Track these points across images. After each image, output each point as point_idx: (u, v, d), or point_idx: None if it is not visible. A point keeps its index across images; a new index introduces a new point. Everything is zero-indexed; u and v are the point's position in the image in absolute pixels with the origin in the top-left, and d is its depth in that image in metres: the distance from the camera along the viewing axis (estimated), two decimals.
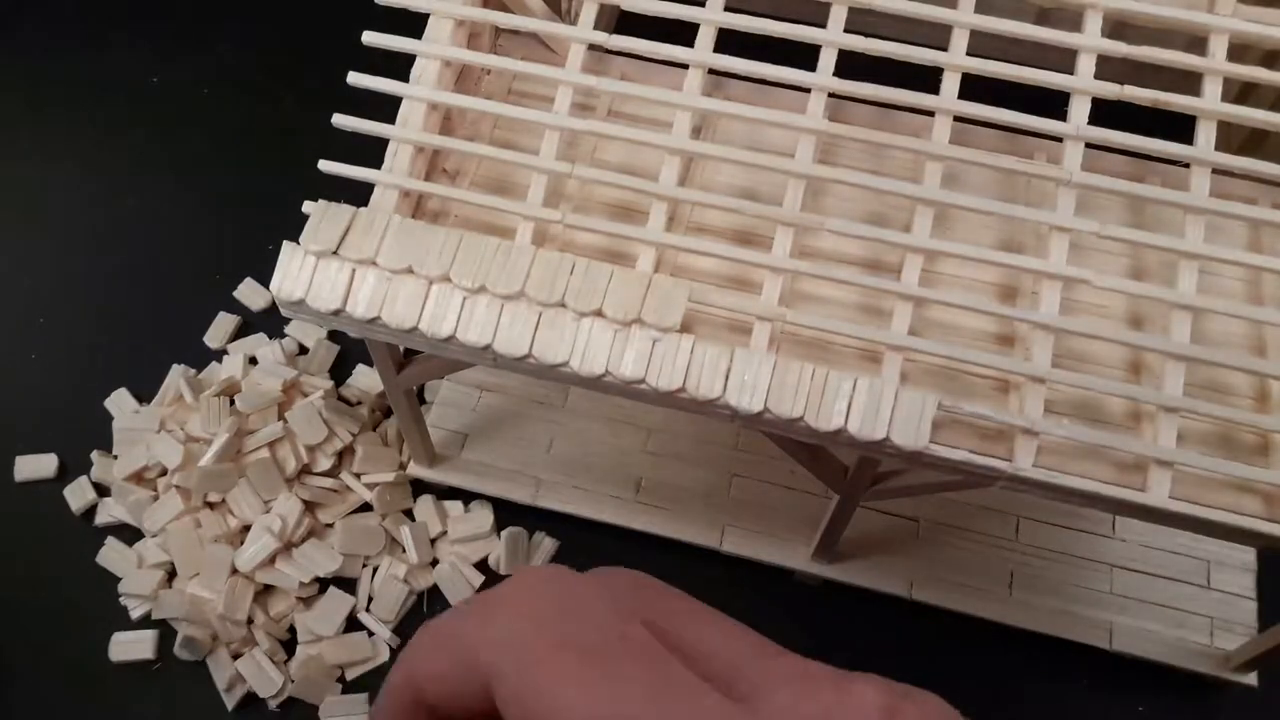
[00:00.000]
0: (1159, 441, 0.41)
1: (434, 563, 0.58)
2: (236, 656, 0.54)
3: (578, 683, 0.24)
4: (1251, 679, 0.54)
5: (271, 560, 0.55)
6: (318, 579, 0.56)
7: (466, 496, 0.59)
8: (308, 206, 0.43)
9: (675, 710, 0.24)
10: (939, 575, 0.56)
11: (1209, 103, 0.44)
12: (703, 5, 0.45)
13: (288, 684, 0.54)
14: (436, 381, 0.61)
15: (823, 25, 0.45)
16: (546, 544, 0.59)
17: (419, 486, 0.60)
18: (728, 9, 0.45)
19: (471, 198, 0.45)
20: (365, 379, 0.62)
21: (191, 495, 0.57)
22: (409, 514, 0.59)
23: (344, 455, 0.59)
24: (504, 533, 0.58)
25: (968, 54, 0.44)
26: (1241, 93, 0.50)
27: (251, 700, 0.54)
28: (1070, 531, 0.58)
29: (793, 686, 0.24)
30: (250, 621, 0.55)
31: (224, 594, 0.54)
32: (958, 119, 0.44)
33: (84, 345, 0.65)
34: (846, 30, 0.44)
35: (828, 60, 0.44)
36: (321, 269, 0.42)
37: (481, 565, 0.58)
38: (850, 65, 0.44)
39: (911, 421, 0.40)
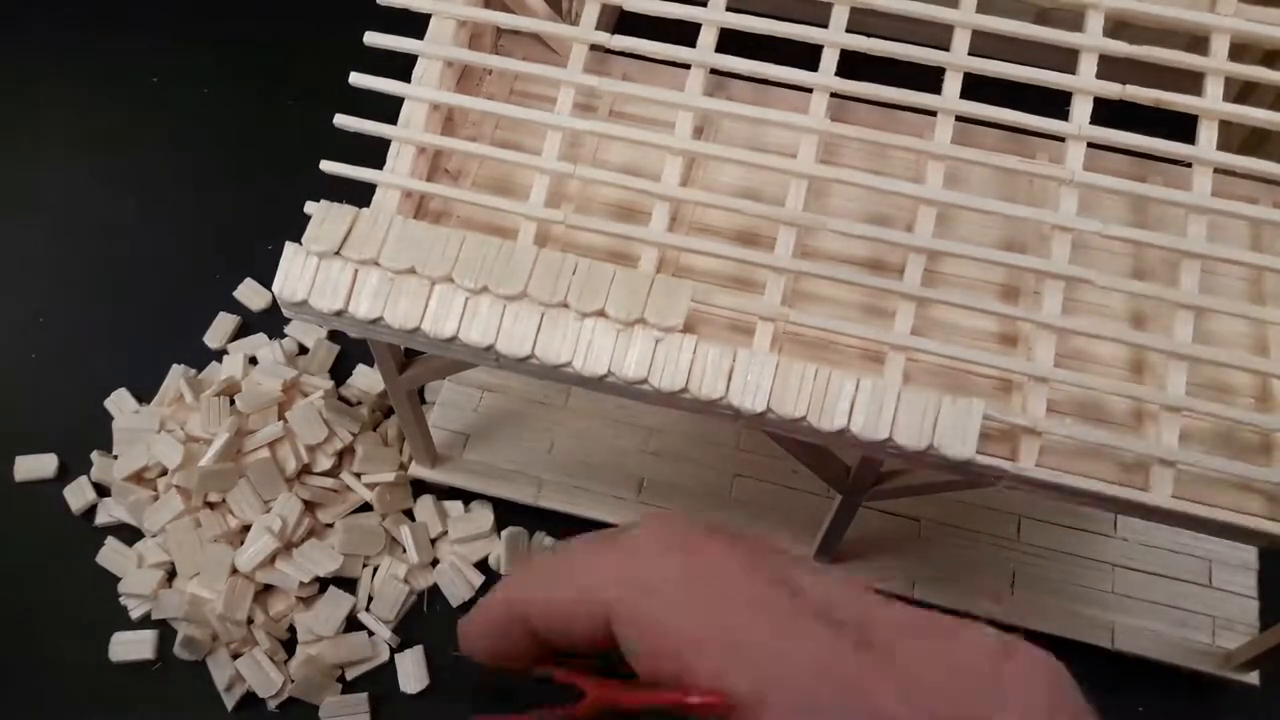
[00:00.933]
0: (1161, 441, 0.41)
1: (434, 563, 0.58)
2: (236, 656, 0.54)
3: (706, 619, 0.25)
4: (1253, 678, 0.54)
5: (271, 560, 0.55)
6: (318, 579, 0.56)
7: (466, 496, 0.59)
8: (310, 207, 0.43)
9: (805, 652, 0.25)
10: (941, 575, 0.56)
11: (1210, 102, 0.44)
12: (704, 5, 0.45)
13: (287, 684, 0.54)
14: (438, 382, 0.61)
15: (824, 25, 0.45)
16: (547, 544, 0.59)
17: (419, 486, 0.60)
18: (729, 9, 0.45)
19: (474, 198, 0.45)
20: (365, 379, 0.62)
21: (191, 495, 0.57)
22: (409, 514, 0.59)
23: (344, 455, 0.59)
24: (504, 533, 0.58)
25: (970, 54, 0.44)
26: (1242, 92, 0.50)
27: (251, 700, 0.54)
28: (1072, 531, 0.58)
29: (912, 635, 0.25)
30: (250, 621, 0.55)
31: (224, 594, 0.54)
32: (960, 119, 0.44)
33: (84, 345, 0.64)
34: (848, 30, 0.44)
35: (830, 60, 0.44)
36: (324, 269, 0.42)
37: (482, 565, 0.58)
38: (852, 65, 0.44)
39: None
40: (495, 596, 0.29)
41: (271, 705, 0.54)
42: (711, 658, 0.24)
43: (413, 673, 0.55)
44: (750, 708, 0.24)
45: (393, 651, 0.55)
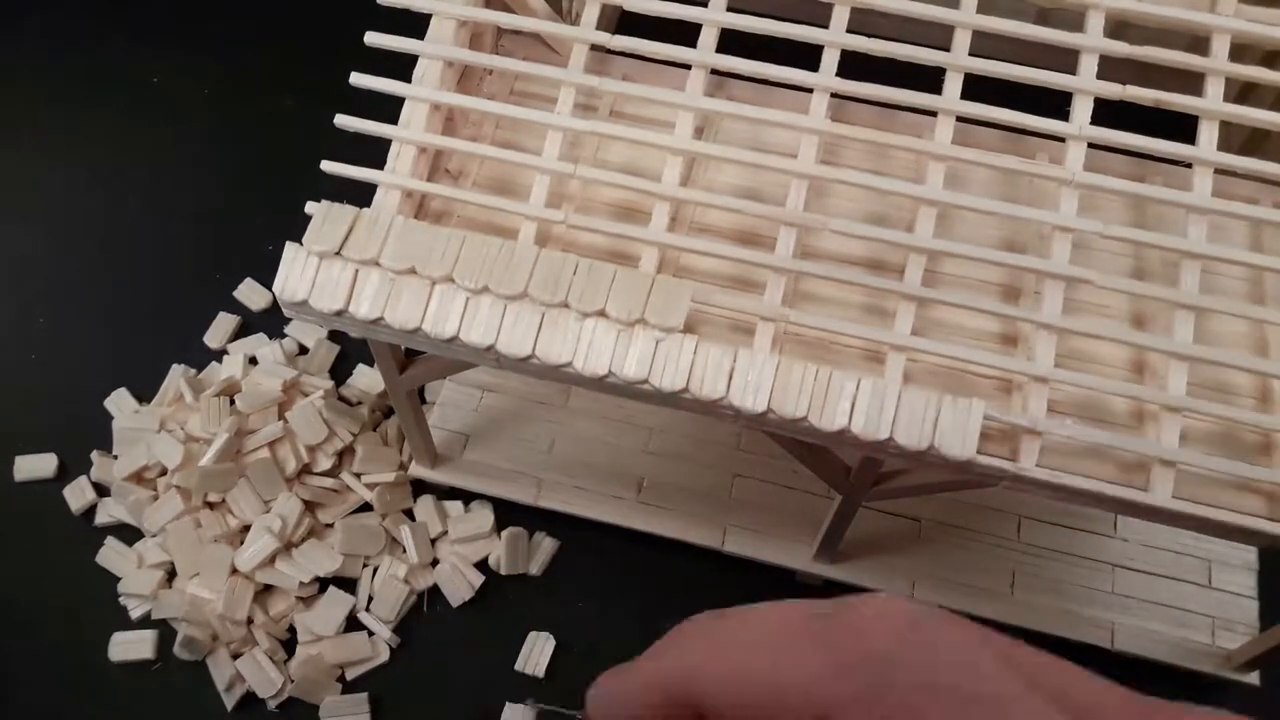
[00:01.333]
0: (1162, 441, 0.41)
1: (434, 562, 0.58)
2: (236, 656, 0.54)
3: (946, 709, 0.22)
4: (1253, 678, 0.54)
5: (271, 560, 0.55)
6: (318, 579, 0.56)
7: (466, 496, 0.59)
8: (310, 207, 0.43)
9: None
10: (941, 575, 0.56)
11: (1211, 103, 0.44)
12: (705, 5, 0.45)
13: (287, 684, 0.54)
14: (438, 382, 0.61)
15: (825, 25, 0.45)
16: (547, 544, 0.59)
17: (419, 486, 0.60)
18: (730, 9, 0.45)
19: (474, 198, 0.45)
20: (365, 379, 0.62)
21: (191, 495, 0.57)
22: (409, 514, 0.59)
23: (344, 455, 0.59)
24: (504, 533, 0.58)
25: (970, 54, 0.44)
26: (1242, 92, 0.50)
27: (251, 700, 0.54)
28: (1072, 531, 0.58)
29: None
30: (250, 621, 0.55)
31: (224, 594, 0.54)
32: (960, 119, 0.44)
33: (84, 345, 0.64)
34: (849, 30, 0.44)
35: (830, 60, 0.44)
36: (324, 269, 0.42)
37: (482, 565, 0.58)
38: (853, 65, 0.44)
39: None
40: (656, 673, 0.25)
41: (271, 705, 0.54)
42: None
43: None
44: None
45: (393, 651, 0.55)
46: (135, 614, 0.56)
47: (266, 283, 0.65)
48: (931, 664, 0.22)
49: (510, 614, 0.57)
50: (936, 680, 0.22)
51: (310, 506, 0.57)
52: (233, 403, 0.59)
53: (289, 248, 0.42)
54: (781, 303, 0.42)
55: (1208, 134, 0.44)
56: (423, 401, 0.61)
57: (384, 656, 0.55)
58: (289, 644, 0.56)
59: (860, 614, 0.23)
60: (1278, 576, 0.57)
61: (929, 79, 0.44)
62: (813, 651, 0.23)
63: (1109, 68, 0.44)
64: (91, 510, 0.59)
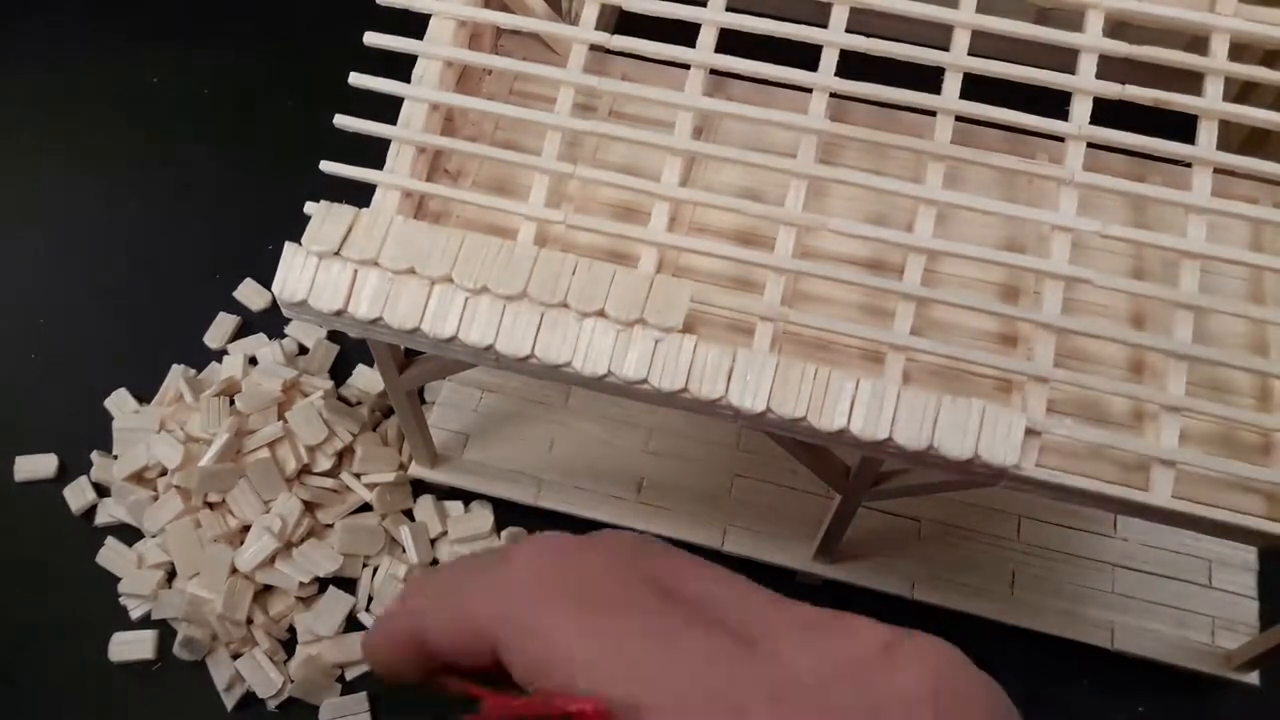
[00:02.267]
0: (1161, 441, 0.41)
1: (434, 562, 0.58)
2: (236, 656, 0.54)
3: (580, 631, 0.25)
4: (1253, 678, 0.54)
5: (271, 560, 0.55)
6: (317, 579, 0.56)
7: (466, 496, 0.59)
8: (310, 207, 0.43)
9: (681, 653, 0.24)
10: (941, 575, 0.56)
11: (1210, 102, 0.44)
12: (704, 5, 0.45)
13: (287, 684, 0.54)
14: (438, 382, 0.61)
15: (824, 25, 0.45)
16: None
17: (419, 486, 0.60)
18: (729, 9, 0.45)
19: (473, 198, 0.45)
20: (365, 379, 0.62)
21: (191, 495, 0.57)
22: (409, 514, 0.59)
23: (344, 455, 0.59)
24: (504, 533, 0.58)
25: (969, 54, 0.44)
26: (1242, 92, 0.50)
27: (251, 700, 0.54)
28: (1072, 531, 0.58)
29: (798, 632, 0.25)
30: (250, 621, 0.55)
31: (223, 594, 0.54)
32: (959, 119, 0.44)
33: (84, 345, 0.64)
34: (848, 30, 0.44)
35: (829, 60, 0.44)
36: (324, 270, 0.42)
37: None
38: (852, 65, 0.44)
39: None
40: (396, 613, 0.29)
41: (271, 705, 0.54)
42: (588, 668, 0.25)
43: None
44: (628, 713, 0.24)
45: None
46: (135, 614, 0.56)
47: (266, 283, 0.65)
48: (562, 593, 0.26)
49: None
50: (566, 605, 0.26)
51: (310, 506, 0.57)
52: (232, 403, 0.59)
53: (288, 248, 0.42)
54: (781, 303, 0.42)
55: (1207, 133, 0.44)
56: (422, 401, 0.61)
57: None
58: (289, 644, 0.56)
59: (524, 542, 0.28)
60: (1277, 577, 0.57)
61: (928, 79, 0.44)
62: (481, 593, 0.27)
63: (1108, 67, 0.44)
64: (91, 510, 0.59)
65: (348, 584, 0.57)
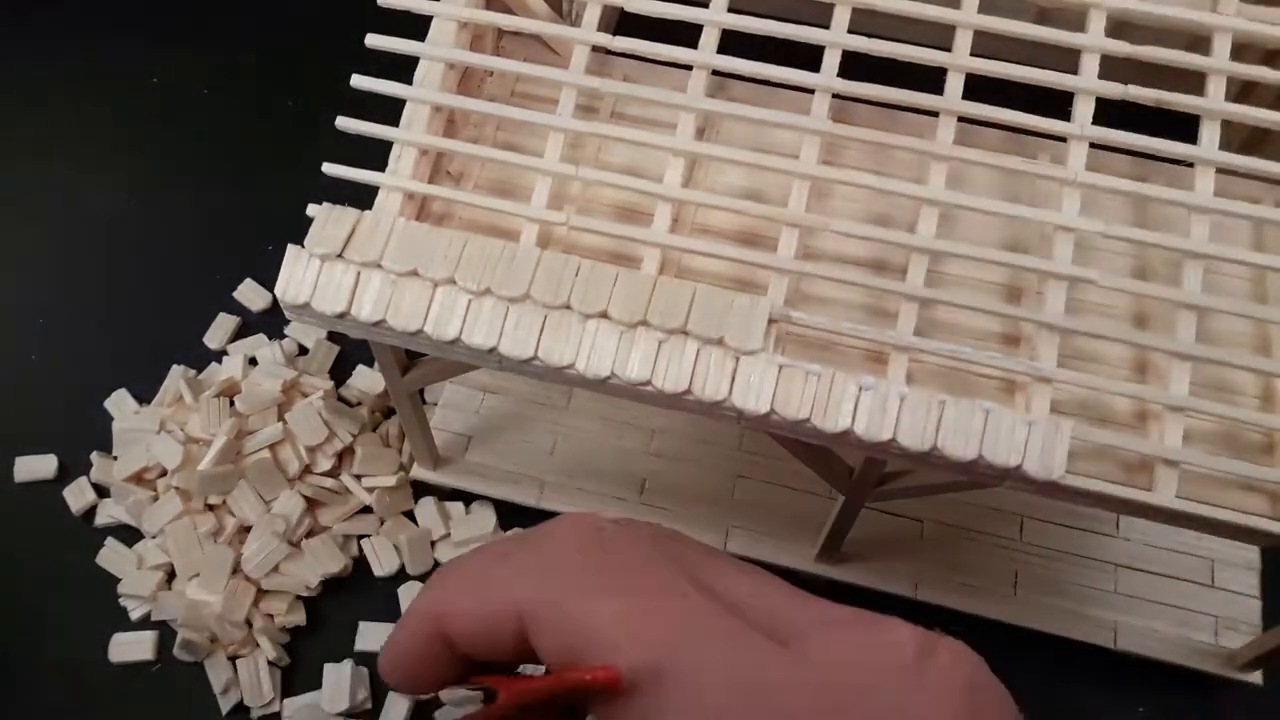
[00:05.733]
0: (1165, 441, 0.41)
1: (435, 565, 0.58)
2: (236, 659, 0.54)
3: (618, 613, 0.25)
4: (1256, 677, 0.54)
5: (277, 563, 0.55)
6: (321, 581, 0.56)
7: (468, 498, 0.59)
8: (312, 209, 0.43)
9: (717, 639, 0.25)
10: (944, 575, 0.56)
11: (1213, 102, 0.44)
12: (706, 6, 0.45)
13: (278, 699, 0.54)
14: (439, 384, 0.61)
15: (826, 26, 0.45)
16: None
17: (420, 488, 0.60)
18: (731, 10, 0.45)
19: (476, 200, 0.45)
20: (365, 380, 0.62)
21: (192, 496, 0.57)
22: (410, 516, 0.59)
23: (344, 456, 0.59)
24: (507, 534, 0.58)
25: (972, 54, 0.44)
26: (1243, 91, 0.50)
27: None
28: (1075, 531, 0.58)
29: (828, 630, 0.25)
30: (250, 624, 0.55)
31: (223, 596, 0.54)
32: (962, 119, 0.44)
33: (84, 345, 0.64)
34: (850, 31, 0.44)
35: (831, 61, 0.44)
36: (326, 272, 0.42)
37: None
38: (854, 66, 0.44)
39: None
40: (413, 615, 0.29)
41: (255, 716, 0.54)
42: (610, 642, 0.25)
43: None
44: (650, 679, 0.24)
45: None
46: (135, 615, 0.56)
47: (266, 283, 0.65)
48: (592, 574, 0.26)
49: None
50: (596, 586, 0.26)
51: (311, 507, 0.57)
52: (232, 403, 0.59)
53: (290, 250, 0.42)
54: (783, 303, 0.42)
55: (1209, 133, 0.43)
56: (424, 403, 0.61)
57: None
58: (290, 646, 0.56)
59: (551, 526, 0.28)
60: None
61: (930, 79, 0.44)
62: (508, 575, 0.27)
63: (1110, 67, 0.44)
64: (91, 511, 0.59)
65: (348, 584, 0.57)
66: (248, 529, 0.56)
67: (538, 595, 0.26)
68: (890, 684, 0.24)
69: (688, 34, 0.45)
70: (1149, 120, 0.44)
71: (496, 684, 0.28)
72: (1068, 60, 0.44)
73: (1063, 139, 0.44)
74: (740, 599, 0.26)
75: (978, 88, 0.44)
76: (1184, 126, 0.44)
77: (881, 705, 0.23)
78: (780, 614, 0.26)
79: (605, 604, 0.25)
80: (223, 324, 0.64)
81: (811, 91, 0.44)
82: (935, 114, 0.44)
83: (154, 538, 0.57)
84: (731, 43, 0.45)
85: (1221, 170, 0.43)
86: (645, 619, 0.25)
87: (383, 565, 0.57)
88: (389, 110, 0.45)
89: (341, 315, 0.42)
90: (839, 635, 0.25)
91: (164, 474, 0.58)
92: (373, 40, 0.45)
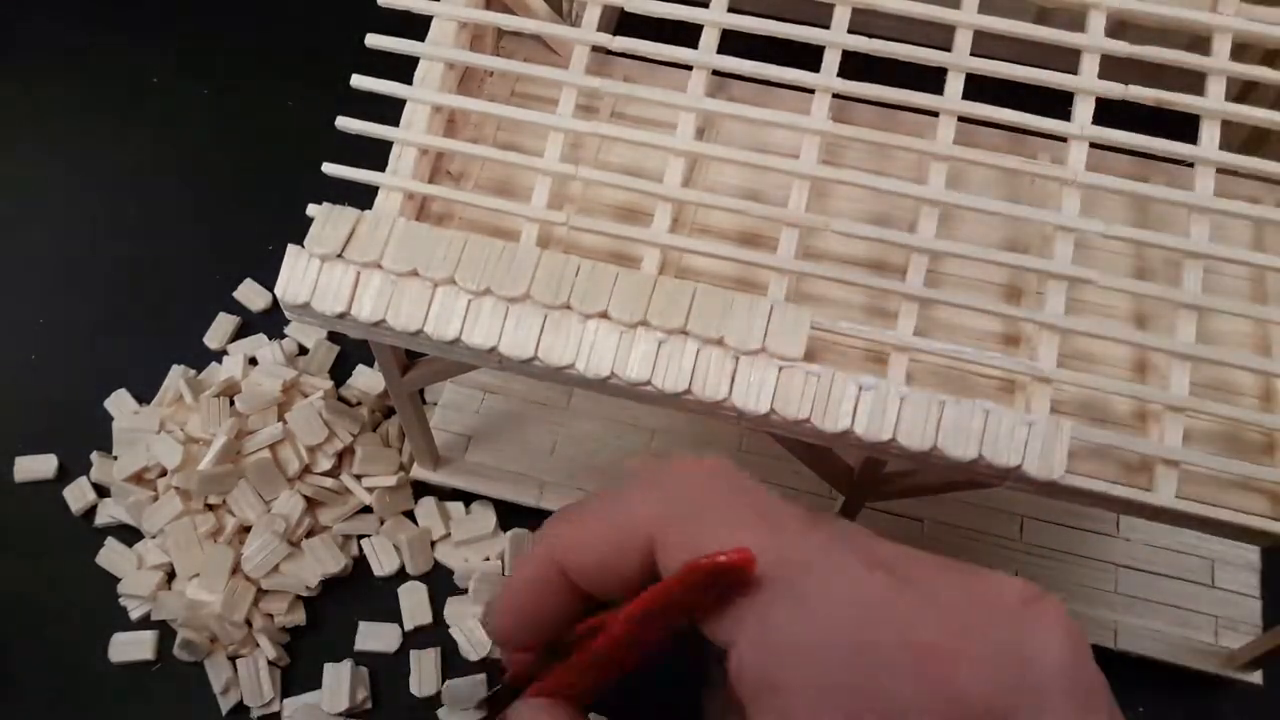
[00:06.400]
0: (1165, 441, 0.41)
1: (435, 565, 0.58)
2: (236, 658, 0.54)
3: (748, 529, 0.26)
4: (1256, 677, 0.54)
5: (278, 563, 0.55)
6: (321, 581, 0.56)
7: (468, 498, 0.59)
8: (312, 209, 0.43)
9: (846, 570, 0.26)
10: None
11: (1213, 102, 0.44)
12: (706, 6, 0.45)
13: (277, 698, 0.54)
14: (440, 384, 0.61)
15: (826, 26, 0.45)
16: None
17: (420, 488, 0.60)
18: (731, 10, 0.45)
19: (476, 200, 0.45)
20: (365, 379, 0.62)
21: (191, 496, 0.57)
22: (410, 516, 0.59)
23: (344, 456, 0.59)
24: (508, 534, 0.58)
25: (971, 54, 0.44)
26: (1242, 91, 0.50)
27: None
28: (1075, 531, 0.58)
29: (948, 573, 0.27)
30: (250, 624, 0.55)
31: (223, 595, 0.54)
32: (962, 119, 0.44)
33: (84, 345, 0.64)
34: (850, 31, 0.44)
35: (831, 61, 0.44)
36: (326, 272, 0.42)
37: None
38: (854, 66, 0.44)
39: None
40: (532, 557, 0.29)
41: (254, 715, 0.54)
42: (744, 541, 0.25)
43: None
44: (778, 584, 0.25)
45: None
46: (135, 614, 0.56)
47: (267, 283, 0.65)
48: (723, 494, 0.27)
49: None
50: (726, 504, 0.27)
51: (311, 507, 0.57)
52: (232, 403, 0.59)
53: (290, 250, 0.42)
54: (784, 303, 0.42)
55: (1209, 133, 0.43)
56: (424, 402, 0.61)
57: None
58: (290, 646, 0.56)
59: (685, 461, 0.29)
60: None
61: (930, 79, 0.44)
62: (636, 496, 0.28)
63: (1110, 67, 0.44)
64: (91, 511, 0.59)
65: (348, 584, 0.57)
66: (248, 529, 0.56)
67: (669, 512, 0.27)
68: (1005, 622, 0.25)
69: (688, 34, 0.45)
70: (1149, 120, 0.44)
71: (609, 616, 0.28)
72: (1068, 60, 0.44)
73: (1063, 139, 0.44)
74: (862, 541, 0.27)
75: (978, 88, 0.44)
76: (1184, 126, 0.44)
77: (999, 640, 0.25)
78: (900, 557, 0.27)
79: (739, 517, 0.26)
80: (223, 324, 0.64)
81: (811, 91, 0.44)
82: (935, 114, 0.44)
83: (154, 538, 0.57)
84: (731, 43, 0.45)
85: (1221, 170, 0.43)
86: (777, 537, 0.26)
87: (383, 565, 0.57)
88: (389, 110, 0.45)
89: (341, 315, 0.42)
90: (958, 579, 0.26)
91: (164, 474, 0.58)
92: (373, 40, 0.45)
